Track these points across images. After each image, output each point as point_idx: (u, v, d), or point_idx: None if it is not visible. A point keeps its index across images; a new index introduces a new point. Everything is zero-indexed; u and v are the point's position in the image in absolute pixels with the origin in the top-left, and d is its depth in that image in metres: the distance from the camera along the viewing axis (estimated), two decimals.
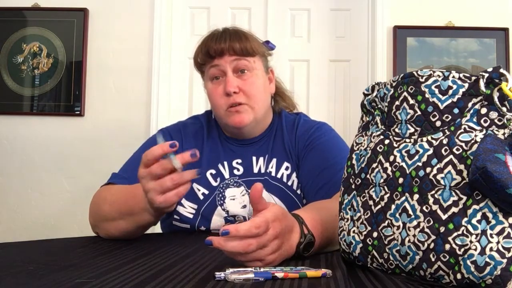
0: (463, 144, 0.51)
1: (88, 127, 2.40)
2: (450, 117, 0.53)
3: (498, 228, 0.47)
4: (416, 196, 0.52)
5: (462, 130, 0.51)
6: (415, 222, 0.52)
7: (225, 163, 1.03)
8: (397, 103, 0.58)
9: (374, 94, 0.64)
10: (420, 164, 0.53)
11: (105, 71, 2.40)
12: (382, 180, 0.57)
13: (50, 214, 2.37)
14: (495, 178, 0.44)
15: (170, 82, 2.47)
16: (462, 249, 0.47)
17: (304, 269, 0.58)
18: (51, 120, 2.41)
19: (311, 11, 2.52)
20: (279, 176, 1.01)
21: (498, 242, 0.46)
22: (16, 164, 2.40)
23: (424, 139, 0.54)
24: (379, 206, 0.57)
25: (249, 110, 0.99)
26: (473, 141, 0.50)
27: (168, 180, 0.69)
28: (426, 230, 0.50)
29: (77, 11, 2.40)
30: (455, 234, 0.48)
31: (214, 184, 1.01)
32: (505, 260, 0.46)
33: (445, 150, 0.51)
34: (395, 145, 0.57)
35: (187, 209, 1.00)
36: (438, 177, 0.51)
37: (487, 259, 0.46)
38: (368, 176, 0.59)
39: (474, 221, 0.47)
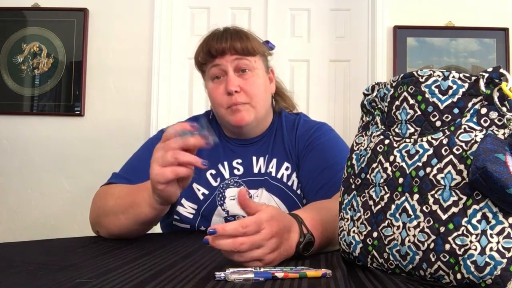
0: (463, 144, 0.51)
1: (88, 127, 2.40)
2: (450, 117, 0.53)
3: (498, 228, 0.47)
4: (416, 196, 0.52)
5: (462, 130, 0.51)
6: (415, 222, 0.52)
7: (225, 163, 1.03)
8: (397, 103, 0.58)
9: (374, 94, 0.64)
10: (420, 164, 0.53)
11: (105, 71, 2.40)
12: (382, 180, 0.57)
13: (50, 214, 2.37)
14: (495, 178, 0.44)
15: (170, 82, 2.47)
16: (462, 249, 0.47)
17: (304, 269, 0.58)
18: (51, 120, 2.41)
19: (311, 11, 2.52)
20: (279, 176, 1.01)
21: (498, 242, 0.46)
22: (16, 164, 2.40)
23: (424, 139, 0.54)
24: (379, 206, 0.57)
25: (250, 109, 0.99)
26: (473, 141, 0.50)
27: (170, 154, 0.69)
28: (426, 230, 0.50)
29: (77, 11, 2.40)
30: (455, 234, 0.48)
31: (214, 184, 1.01)
32: (505, 260, 0.46)
33: (445, 150, 0.51)
34: (395, 145, 0.57)
35: (187, 209, 1.00)
36: (438, 177, 0.51)
37: (487, 259, 0.46)
38: (368, 176, 0.59)
39: (474, 221, 0.47)
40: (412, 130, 0.56)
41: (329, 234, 0.73)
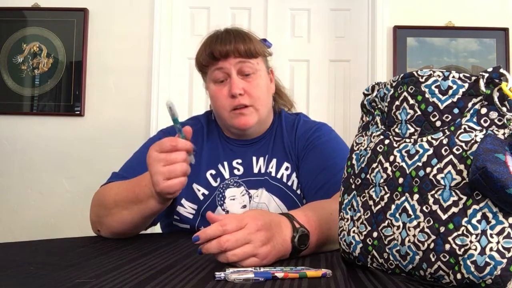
0: (463, 144, 0.51)
1: (88, 127, 2.40)
2: (450, 117, 0.53)
3: (498, 228, 0.47)
4: (416, 196, 0.52)
5: (462, 130, 0.51)
6: (415, 222, 0.52)
7: (225, 163, 1.03)
8: (397, 103, 0.58)
9: (374, 94, 0.64)
10: (420, 164, 0.53)
11: (105, 71, 2.40)
12: (382, 180, 0.57)
13: (50, 214, 2.37)
14: (495, 178, 0.44)
15: (170, 82, 2.47)
16: (462, 249, 0.47)
17: (304, 269, 0.58)
18: (51, 120, 2.41)
19: (311, 11, 2.52)
20: (279, 176, 1.02)
21: (498, 242, 0.46)
22: (16, 164, 2.40)
23: (424, 139, 0.54)
24: (379, 206, 0.57)
25: (253, 112, 0.99)
26: (473, 141, 0.50)
27: (179, 168, 0.72)
28: (426, 230, 0.50)
29: (77, 11, 2.40)
30: (455, 234, 0.48)
31: (214, 184, 1.01)
32: (505, 260, 0.46)
33: (445, 150, 0.51)
34: (395, 145, 0.57)
35: (187, 209, 1.00)
36: (438, 177, 0.51)
37: (487, 259, 0.46)
38: (368, 176, 0.59)
39: (474, 221, 0.47)
40: (412, 130, 0.56)
41: (326, 231, 0.73)
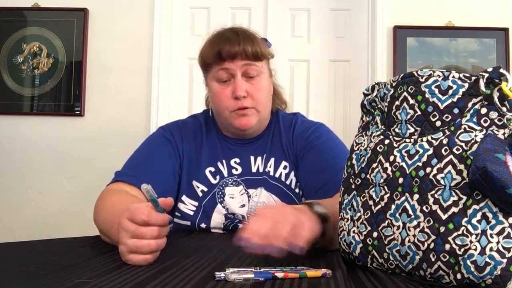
0: (463, 144, 0.51)
1: (88, 127, 2.40)
2: (450, 117, 0.53)
3: (498, 228, 0.47)
4: (416, 196, 0.52)
5: (462, 130, 0.51)
6: (415, 222, 0.52)
7: (224, 161, 1.04)
8: (397, 103, 0.58)
9: (374, 94, 0.64)
10: (420, 164, 0.53)
11: (105, 71, 2.40)
12: (382, 180, 0.57)
13: (50, 214, 2.37)
14: (495, 178, 0.44)
15: (170, 82, 2.47)
16: (462, 249, 0.47)
17: (304, 269, 0.58)
18: (51, 120, 2.41)
19: (311, 11, 2.52)
20: (277, 175, 1.02)
21: (498, 242, 0.46)
22: (16, 164, 2.40)
23: (424, 139, 0.54)
24: (379, 206, 0.57)
25: (255, 114, 0.99)
26: (473, 141, 0.50)
27: (146, 244, 0.62)
28: (426, 230, 0.50)
29: (77, 11, 2.40)
30: (455, 234, 0.48)
31: (214, 181, 1.02)
32: (505, 260, 0.46)
33: (445, 150, 0.51)
34: (395, 145, 0.57)
35: (188, 206, 1.01)
36: (438, 177, 0.51)
37: (487, 259, 0.46)
38: (368, 176, 0.59)
39: (474, 221, 0.47)
40: (412, 130, 0.56)
41: (335, 223, 0.72)
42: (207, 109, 1.15)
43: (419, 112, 0.55)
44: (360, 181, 0.61)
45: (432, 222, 0.50)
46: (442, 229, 0.49)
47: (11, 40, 2.42)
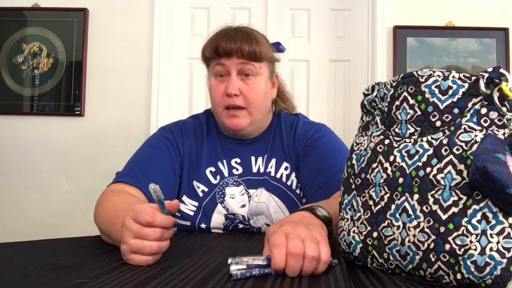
0: (463, 144, 0.51)
1: (88, 127, 2.40)
2: (450, 117, 0.53)
3: (498, 228, 0.47)
4: (416, 196, 0.52)
5: (462, 130, 0.51)
6: (415, 222, 0.52)
7: (224, 161, 1.04)
8: (397, 103, 0.58)
9: (374, 94, 0.64)
10: (420, 164, 0.53)
11: (105, 71, 2.40)
12: (382, 180, 0.57)
13: (50, 214, 2.37)
14: (495, 178, 0.44)
15: (170, 82, 2.47)
16: (462, 249, 0.47)
17: None
18: (51, 120, 2.41)
19: (311, 11, 2.52)
20: (278, 176, 1.02)
21: (498, 242, 0.46)
22: (16, 164, 2.40)
23: (424, 139, 0.54)
24: (379, 206, 0.57)
25: (246, 116, 0.99)
26: (473, 141, 0.50)
27: (147, 245, 0.61)
28: (426, 230, 0.50)
29: (77, 11, 2.40)
30: (455, 234, 0.48)
31: (214, 181, 1.02)
32: (505, 260, 0.46)
33: (445, 150, 0.51)
34: (395, 145, 0.57)
35: (188, 206, 1.01)
36: (438, 177, 0.51)
37: (487, 259, 0.46)
38: (368, 176, 0.59)
39: (474, 221, 0.47)
40: (412, 130, 0.56)
41: (337, 224, 0.72)
42: (209, 109, 1.15)
43: (419, 112, 0.55)
44: (360, 181, 0.61)
45: (432, 222, 0.50)
46: (442, 229, 0.49)
47: (11, 40, 2.42)
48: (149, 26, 2.40)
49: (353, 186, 0.62)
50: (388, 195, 0.56)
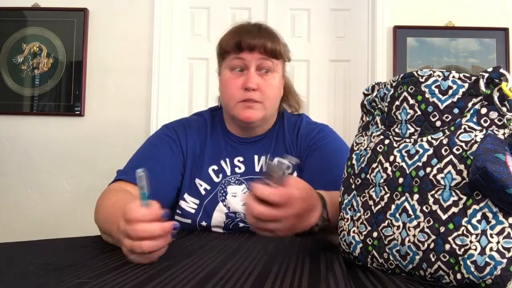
0: (463, 144, 0.51)
1: (88, 127, 2.40)
2: (450, 117, 0.53)
3: (498, 228, 0.47)
4: (416, 196, 0.52)
5: (462, 130, 0.51)
6: (415, 222, 0.52)
7: (227, 159, 1.04)
8: (397, 103, 0.58)
9: (374, 94, 0.64)
10: (420, 164, 0.53)
11: (105, 71, 2.40)
12: (382, 180, 0.57)
13: (50, 214, 2.37)
14: (495, 178, 0.44)
15: (170, 82, 2.47)
16: (462, 249, 0.47)
17: None
18: (51, 120, 2.41)
19: (311, 11, 2.52)
20: None
21: (498, 242, 0.46)
22: (16, 164, 2.40)
23: (424, 139, 0.54)
24: (379, 206, 0.57)
25: (261, 109, 1.00)
26: (473, 141, 0.50)
27: (137, 247, 0.60)
28: (426, 230, 0.50)
29: (77, 11, 2.40)
30: (455, 234, 0.48)
31: (216, 180, 1.02)
32: (505, 260, 0.46)
33: (445, 150, 0.51)
34: (395, 145, 0.57)
35: (189, 204, 1.01)
36: (438, 177, 0.51)
37: (487, 259, 0.46)
38: (368, 176, 0.59)
39: (474, 221, 0.47)
40: (412, 130, 0.56)
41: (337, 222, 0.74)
42: (215, 106, 1.15)
43: (419, 112, 0.55)
44: (360, 181, 0.61)
45: (432, 222, 0.50)
46: (442, 229, 0.49)
47: (11, 40, 2.42)
48: (149, 26, 2.40)
49: (353, 186, 0.62)
50: (388, 195, 0.56)
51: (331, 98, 2.50)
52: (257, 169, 1.04)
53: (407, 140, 0.56)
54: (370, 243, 0.57)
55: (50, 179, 2.39)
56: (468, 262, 0.47)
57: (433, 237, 0.50)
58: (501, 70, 0.51)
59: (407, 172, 0.54)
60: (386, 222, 0.55)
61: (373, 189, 0.58)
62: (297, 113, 1.17)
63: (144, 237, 0.60)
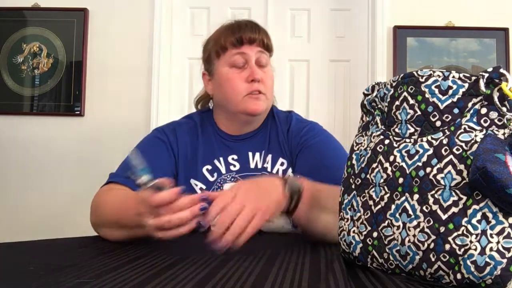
0: (463, 144, 0.51)
1: (88, 127, 2.40)
2: (450, 117, 0.53)
3: (498, 228, 0.47)
4: (416, 196, 0.52)
5: (462, 130, 0.51)
6: (415, 222, 0.52)
7: (221, 158, 1.04)
8: (397, 103, 0.58)
9: (374, 94, 0.64)
10: (420, 164, 0.53)
11: (105, 71, 2.40)
12: (382, 180, 0.57)
13: (50, 214, 2.37)
14: (495, 178, 0.44)
15: (170, 82, 2.47)
16: (462, 249, 0.47)
17: None
18: (51, 120, 2.41)
19: (311, 11, 2.52)
20: (274, 171, 1.03)
21: (498, 242, 0.46)
22: (16, 164, 2.40)
23: (424, 139, 0.54)
24: (379, 206, 0.57)
25: (265, 100, 1.03)
26: (473, 141, 0.50)
27: (173, 220, 0.67)
28: (426, 230, 0.50)
29: (77, 11, 2.40)
30: (455, 234, 0.48)
31: (211, 179, 1.02)
32: (505, 260, 0.46)
33: (445, 150, 0.51)
34: (395, 145, 0.57)
35: None
36: (438, 177, 0.51)
37: (487, 259, 0.46)
38: (368, 176, 0.59)
39: (474, 221, 0.47)
40: (412, 130, 0.56)
41: (317, 193, 0.80)
42: (202, 109, 1.16)
43: (419, 112, 0.55)
44: (360, 181, 0.61)
45: (432, 222, 0.50)
46: (442, 229, 0.49)
47: (11, 40, 2.42)
48: (149, 26, 2.40)
49: (353, 186, 0.62)
50: (388, 195, 0.56)
51: (331, 98, 2.50)
52: (252, 166, 1.04)
53: (407, 140, 0.56)
54: (370, 243, 0.57)
55: (50, 179, 2.39)
56: (468, 262, 0.47)
57: (433, 237, 0.50)
58: (501, 70, 0.51)
59: (407, 172, 0.54)
60: (386, 222, 0.55)
61: (373, 189, 0.58)
62: (287, 110, 1.18)
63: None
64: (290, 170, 1.03)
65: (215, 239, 0.66)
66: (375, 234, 0.57)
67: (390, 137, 0.59)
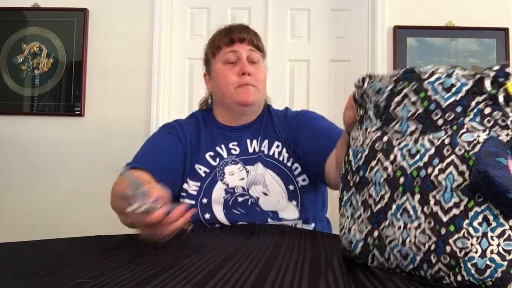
0: (465, 144, 0.50)
1: (88, 127, 2.40)
2: (452, 115, 0.52)
3: (499, 230, 0.46)
4: (417, 197, 0.52)
5: (464, 130, 0.50)
6: (416, 223, 0.51)
7: (222, 145, 1.14)
8: (396, 99, 0.57)
9: (365, 86, 0.63)
10: (421, 164, 0.52)
11: (105, 71, 2.40)
12: (382, 179, 0.56)
13: (50, 214, 2.37)
14: (496, 183, 0.44)
15: (170, 82, 2.47)
16: (463, 252, 0.47)
17: None
18: (51, 120, 2.40)
19: (311, 11, 2.52)
20: (271, 153, 1.14)
21: (498, 245, 0.46)
22: (16, 164, 2.40)
23: (426, 138, 0.53)
24: (380, 206, 0.56)
25: (256, 92, 1.13)
26: (475, 142, 0.49)
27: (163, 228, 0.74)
28: (427, 231, 0.50)
29: (77, 11, 2.40)
30: (456, 236, 0.48)
31: (214, 163, 1.12)
32: (505, 263, 0.45)
33: (447, 150, 0.51)
34: (395, 143, 0.56)
35: (192, 187, 1.11)
36: (440, 178, 0.50)
37: (488, 262, 0.46)
38: (366, 174, 0.59)
39: (475, 223, 0.47)
40: (413, 128, 0.55)
41: None
42: (204, 108, 1.26)
43: (420, 110, 0.54)
44: (358, 179, 0.60)
45: (433, 224, 0.50)
46: (443, 231, 0.49)
47: (11, 40, 2.42)
48: (149, 26, 2.40)
49: (351, 184, 0.61)
50: (388, 194, 0.55)
51: (331, 98, 2.50)
52: (251, 150, 1.15)
53: (408, 138, 0.55)
54: (370, 242, 0.57)
55: (50, 179, 2.39)
56: (469, 264, 0.47)
57: (434, 238, 0.49)
58: (507, 70, 0.50)
59: (408, 172, 0.53)
60: (387, 222, 0.55)
61: (373, 187, 0.57)
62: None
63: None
64: (284, 150, 1.13)
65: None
66: (375, 233, 0.56)
67: (389, 134, 0.58)
